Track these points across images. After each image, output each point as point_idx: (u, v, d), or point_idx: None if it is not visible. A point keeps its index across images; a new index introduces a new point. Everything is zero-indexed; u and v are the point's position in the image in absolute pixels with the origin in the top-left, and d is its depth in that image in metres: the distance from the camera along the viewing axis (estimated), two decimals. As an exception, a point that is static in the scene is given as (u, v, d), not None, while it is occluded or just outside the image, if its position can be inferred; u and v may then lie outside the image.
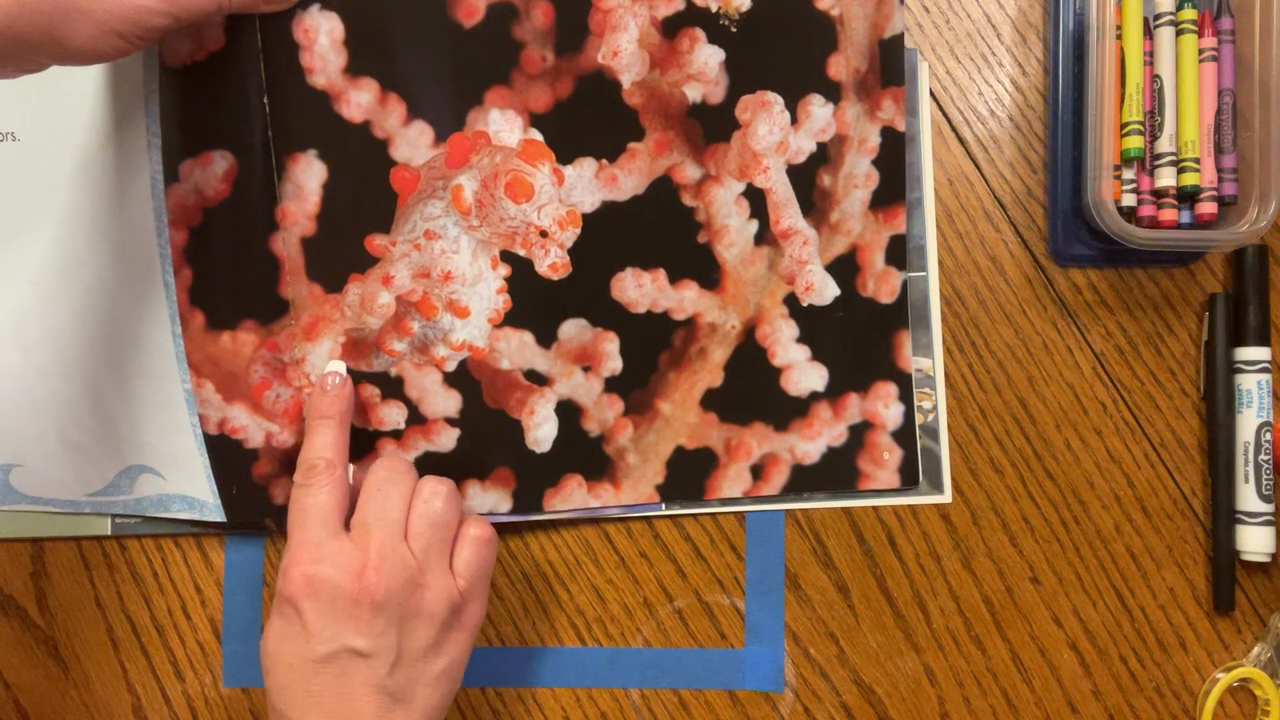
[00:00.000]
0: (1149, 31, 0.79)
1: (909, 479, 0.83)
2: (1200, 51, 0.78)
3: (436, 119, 0.78)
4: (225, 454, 0.81)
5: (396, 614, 0.69)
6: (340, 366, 0.79)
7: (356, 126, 0.78)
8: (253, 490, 0.81)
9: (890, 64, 0.79)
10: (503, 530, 0.84)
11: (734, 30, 0.79)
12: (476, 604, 0.73)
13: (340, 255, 0.79)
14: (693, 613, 0.83)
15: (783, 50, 0.79)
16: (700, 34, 0.79)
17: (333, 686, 0.68)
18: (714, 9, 0.78)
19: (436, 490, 0.74)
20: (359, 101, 0.78)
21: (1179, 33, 0.78)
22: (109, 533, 0.84)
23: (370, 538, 0.71)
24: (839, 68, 0.79)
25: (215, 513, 0.81)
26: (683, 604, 0.82)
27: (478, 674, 0.84)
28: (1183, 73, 0.78)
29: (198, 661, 0.84)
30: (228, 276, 0.79)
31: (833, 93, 0.79)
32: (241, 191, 0.78)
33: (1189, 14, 0.78)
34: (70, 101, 0.79)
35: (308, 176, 0.78)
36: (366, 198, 0.79)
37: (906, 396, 0.82)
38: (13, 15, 0.62)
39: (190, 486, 0.81)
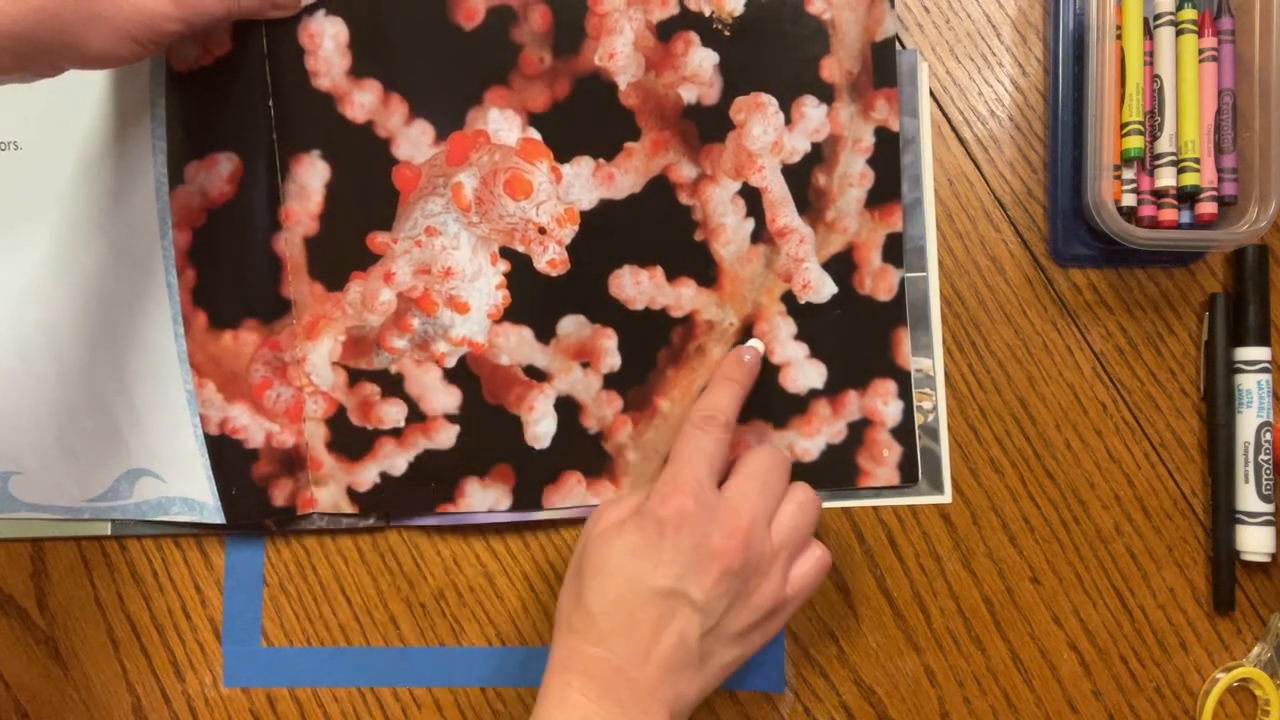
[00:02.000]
0: (1149, 31, 0.80)
1: (908, 476, 0.84)
2: (1200, 51, 0.79)
3: (437, 118, 0.81)
4: (225, 454, 0.83)
5: (737, 587, 0.71)
6: (759, 345, 0.82)
7: (359, 126, 0.81)
8: (252, 491, 0.83)
9: (882, 65, 0.81)
10: (503, 530, 0.86)
11: (727, 34, 0.81)
12: (784, 616, 0.74)
13: (342, 253, 0.82)
14: (692, 613, 0.82)
15: (776, 53, 0.81)
16: (694, 37, 0.81)
17: (653, 620, 0.69)
18: (707, 13, 0.81)
19: (812, 499, 0.76)
20: (362, 102, 0.81)
21: (1179, 33, 0.79)
22: (109, 533, 0.86)
23: (745, 508, 0.72)
24: (832, 70, 0.81)
25: (215, 514, 0.83)
26: (682, 604, 0.82)
27: (478, 674, 0.85)
28: (1183, 73, 0.79)
29: (198, 661, 0.85)
30: (231, 276, 0.82)
31: (826, 94, 0.81)
32: (246, 192, 0.81)
33: (1189, 14, 0.79)
34: (73, 108, 0.82)
35: (311, 176, 0.81)
36: (369, 196, 0.81)
37: (905, 394, 0.83)
38: (34, 21, 0.65)
39: (190, 488, 0.83)
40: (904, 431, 0.83)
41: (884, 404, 0.83)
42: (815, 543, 0.75)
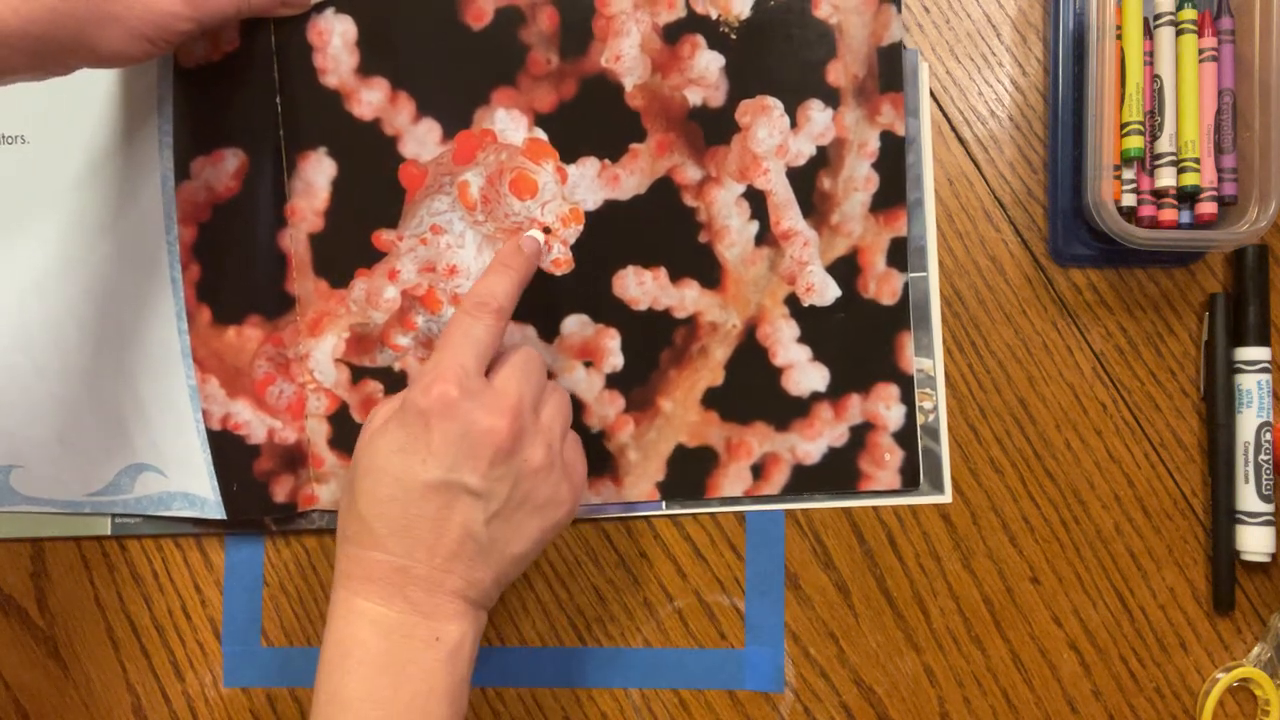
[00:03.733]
0: (1149, 31, 0.81)
1: (910, 480, 0.85)
2: (1200, 51, 0.81)
3: (444, 117, 0.82)
4: (227, 450, 0.83)
5: (514, 470, 0.69)
6: (540, 235, 0.81)
7: (366, 124, 0.82)
8: (253, 487, 0.84)
9: (889, 70, 0.83)
10: None
11: (733, 37, 0.82)
12: (571, 499, 0.73)
13: (347, 251, 0.83)
14: (693, 613, 0.84)
15: (782, 57, 0.82)
16: (700, 40, 0.82)
17: (432, 515, 0.68)
18: (714, 17, 0.82)
19: (565, 394, 0.76)
20: (369, 100, 0.82)
21: (1179, 33, 0.81)
22: (109, 533, 0.86)
23: (512, 393, 0.70)
24: (838, 74, 0.82)
25: (215, 510, 0.84)
26: (683, 604, 0.83)
27: (479, 674, 0.85)
28: (1183, 73, 0.80)
29: (198, 661, 0.86)
30: (235, 272, 0.83)
31: (832, 98, 0.82)
32: (252, 188, 0.82)
33: (1189, 14, 0.80)
34: (80, 103, 0.83)
35: (317, 173, 0.82)
36: (375, 194, 0.82)
37: (908, 398, 0.84)
38: (47, 21, 0.66)
39: (191, 484, 0.84)
40: (906, 436, 0.84)
41: (886, 408, 0.84)
42: (571, 433, 0.76)
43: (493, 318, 0.71)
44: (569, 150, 0.82)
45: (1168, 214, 0.80)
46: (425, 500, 0.67)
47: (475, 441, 0.67)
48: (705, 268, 0.83)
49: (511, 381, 0.71)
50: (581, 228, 0.82)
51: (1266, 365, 0.81)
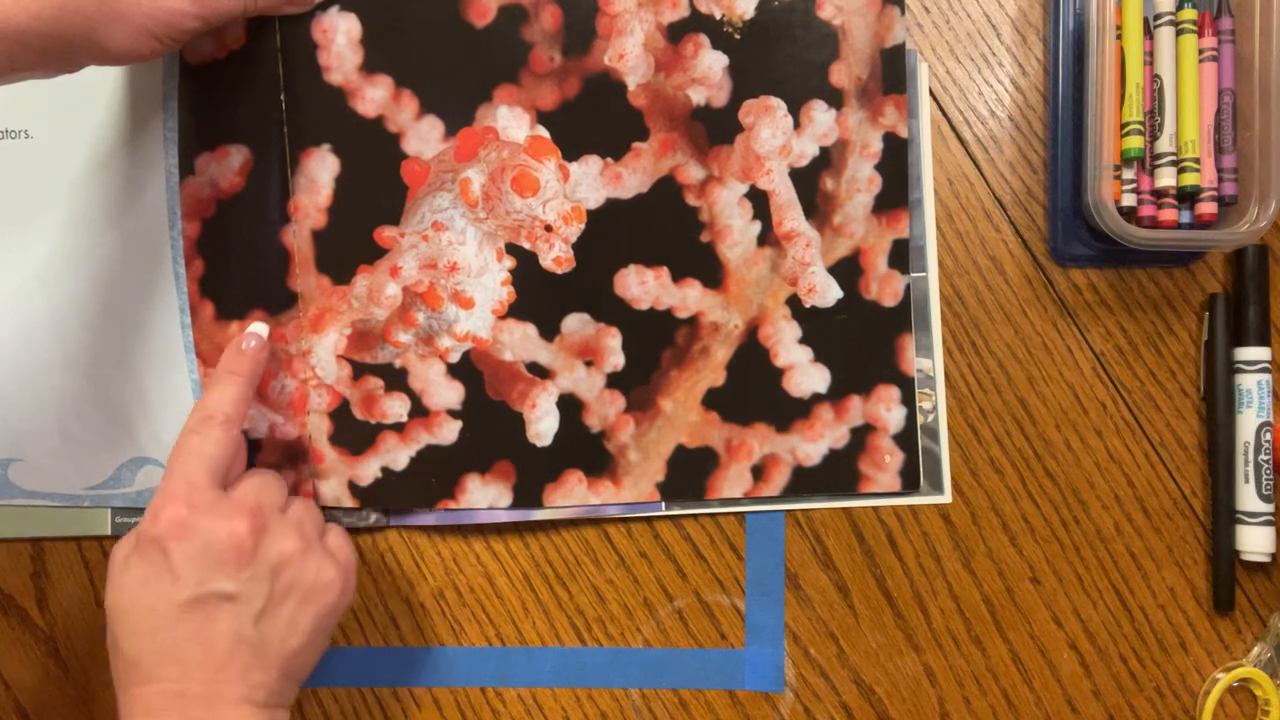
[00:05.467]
0: (1149, 31, 0.82)
1: (910, 483, 0.85)
2: (1200, 51, 0.82)
3: (447, 114, 0.83)
4: None
5: (268, 565, 0.70)
6: (262, 329, 0.81)
7: (370, 121, 0.83)
8: None
9: (892, 72, 0.83)
10: (503, 529, 0.87)
11: (737, 38, 0.83)
12: (343, 581, 0.74)
13: (350, 247, 0.84)
14: (693, 613, 0.85)
15: (785, 57, 0.83)
16: (704, 40, 0.83)
17: (195, 633, 0.68)
18: (718, 16, 0.83)
19: (312, 504, 0.77)
20: (373, 97, 0.83)
21: (1179, 33, 0.81)
22: (109, 532, 0.86)
23: (250, 498, 0.72)
24: (841, 75, 0.83)
25: None
26: (683, 604, 0.84)
27: (479, 674, 0.87)
28: (1183, 73, 0.81)
29: (196, 660, 0.84)
30: (239, 268, 0.84)
31: (835, 99, 0.83)
32: (255, 184, 0.83)
33: (1189, 14, 0.81)
34: (85, 99, 0.84)
35: (321, 170, 0.83)
36: (378, 190, 0.83)
37: (909, 400, 0.85)
38: (55, 19, 0.67)
39: None
40: (907, 438, 0.85)
41: (887, 410, 0.84)
42: (331, 524, 0.77)
43: (220, 430, 0.73)
44: (571, 148, 0.83)
45: (1168, 214, 0.81)
46: (184, 621, 0.67)
47: (219, 549, 0.68)
48: (707, 268, 0.84)
49: (249, 489, 0.72)
50: (583, 226, 0.83)
51: (1266, 365, 0.82)
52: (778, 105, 0.82)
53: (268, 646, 0.69)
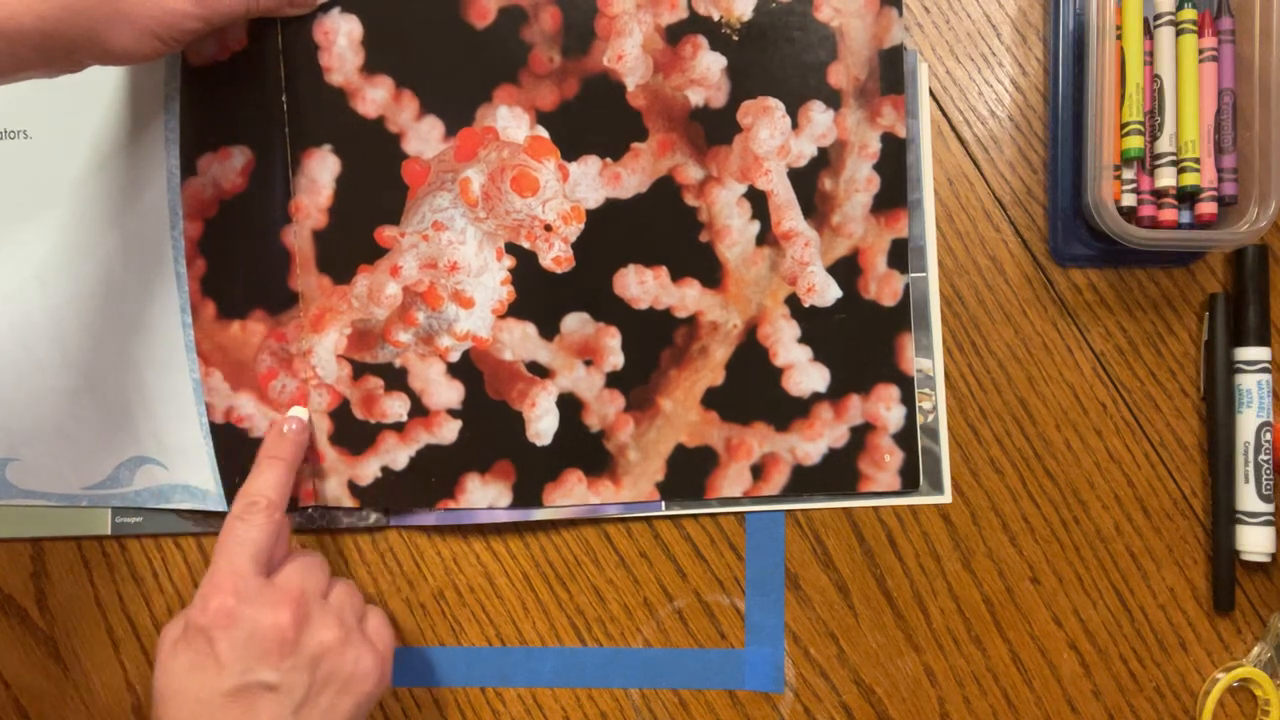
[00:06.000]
0: (1149, 31, 0.82)
1: (909, 482, 0.85)
2: (1200, 51, 0.82)
3: (447, 115, 0.84)
4: (230, 443, 0.85)
5: (309, 655, 0.72)
6: (303, 413, 0.83)
7: (371, 121, 0.84)
8: None
9: (890, 72, 0.84)
10: (503, 530, 0.87)
11: (735, 39, 0.83)
12: (380, 668, 0.75)
13: (350, 247, 0.84)
14: (693, 613, 0.85)
15: (783, 58, 0.84)
16: (703, 41, 0.83)
17: None
18: (716, 18, 0.83)
19: (354, 586, 0.78)
20: (374, 98, 0.83)
21: (1179, 33, 0.81)
22: (109, 532, 0.86)
23: (294, 585, 0.73)
24: (839, 76, 0.84)
25: (217, 503, 0.85)
26: (683, 604, 0.84)
27: (479, 674, 0.87)
28: (1183, 73, 0.81)
29: (197, 660, 0.84)
30: (240, 267, 0.84)
31: (833, 99, 0.84)
32: (257, 185, 0.83)
33: (1189, 14, 0.81)
34: (86, 99, 0.85)
35: (322, 170, 0.83)
36: (378, 190, 0.84)
37: (908, 399, 0.85)
38: (59, 19, 0.67)
39: (193, 477, 0.85)
40: (906, 437, 0.85)
41: (886, 409, 0.85)
42: (372, 607, 0.79)
43: (264, 516, 0.75)
44: (570, 148, 0.83)
45: (1168, 214, 0.81)
46: (227, 710, 0.69)
47: (263, 640, 0.70)
48: (706, 267, 0.84)
49: (293, 575, 0.74)
50: (582, 226, 0.83)
51: (1266, 365, 0.82)
52: (776, 106, 0.83)
53: None
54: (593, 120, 0.83)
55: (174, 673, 0.70)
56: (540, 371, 0.84)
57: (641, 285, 0.83)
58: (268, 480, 0.77)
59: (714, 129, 0.83)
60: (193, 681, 0.69)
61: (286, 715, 0.70)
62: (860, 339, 0.84)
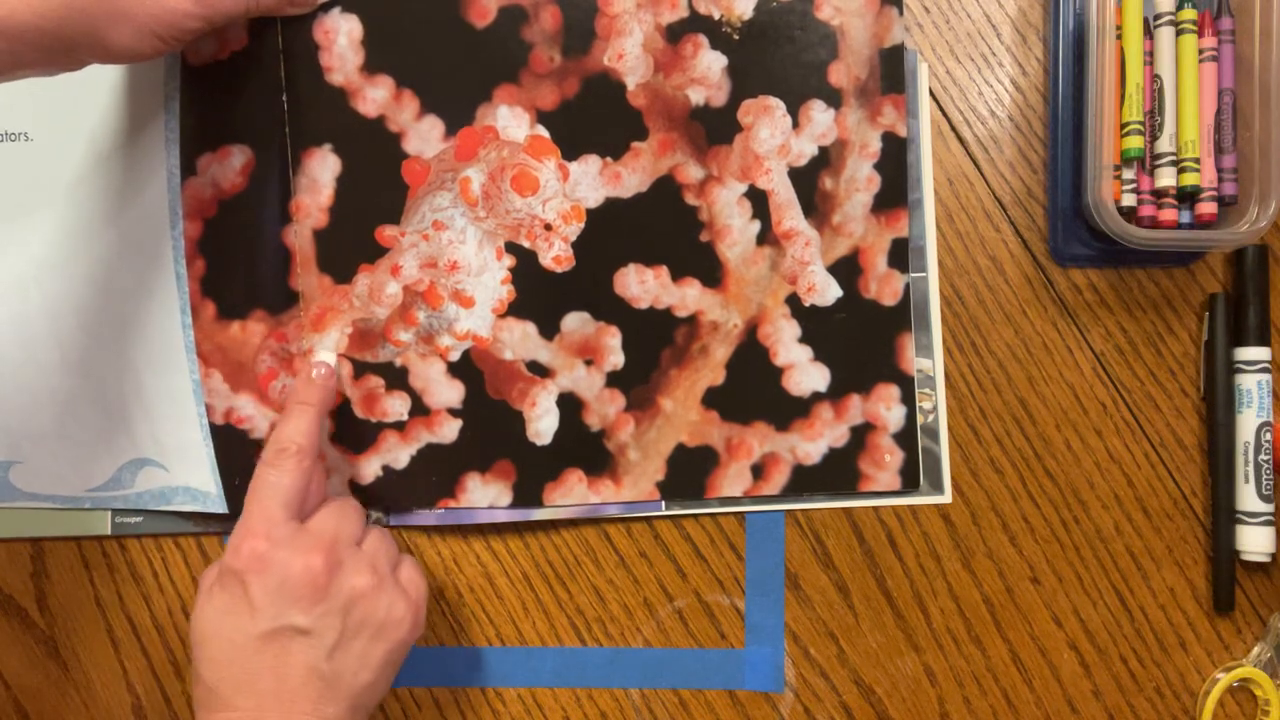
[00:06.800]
0: (1149, 31, 0.83)
1: (910, 482, 0.86)
2: (1200, 51, 0.82)
3: (448, 114, 0.84)
4: (230, 444, 0.85)
5: (341, 601, 0.72)
6: (330, 357, 0.83)
7: (371, 121, 0.84)
8: None
9: (890, 72, 0.84)
10: (503, 529, 0.87)
11: (736, 38, 0.83)
12: (413, 618, 0.75)
13: (351, 246, 0.84)
14: (693, 613, 0.85)
15: (784, 57, 0.84)
16: (703, 40, 0.83)
17: (271, 665, 0.70)
18: (717, 17, 0.83)
19: (387, 533, 0.78)
20: (374, 97, 0.83)
21: (1179, 33, 0.82)
22: (109, 532, 0.86)
23: (327, 531, 0.74)
24: (840, 75, 0.84)
25: (217, 504, 0.85)
26: (683, 604, 0.84)
27: (479, 674, 0.88)
28: (1183, 73, 0.81)
29: (197, 660, 0.84)
30: (240, 267, 0.84)
31: (834, 99, 0.84)
32: (257, 184, 0.84)
33: (1189, 14, 0.82)
34: (86, 100, 0.85)
35: (322, 170, 0.84)
36: (378, 190, 0.84)
37: (908, 399, 0.85)
38: (59, 17, 0.67)
39: (193, 478, 0.85)
40: (906, 437, 0.85)
41: (886, 409, 0.85)
42: (406, 556, 0.79)
43: (294, 461, 0.75)
44: (571, 148, 0.83)
45: (1168, 214, 0.82)
46: (261, 653, 0.70)
47: (295, 584, 0.71)
48: (706, 267, 0.84)
49: (328, 520, 0.75)
50: (583, 225, 0.83)
51: (1266, 365, 0.82)
52: (776, 105, 0.83)
53: (339, 680, 0.71)
54: (593, 119, 0.83)
55: (209, 616, 0.71)
56: (540, 371, 0.84)
57: (642, 285, 0.84)
58: (298, 426, 0.76)
59: (714, 128, 0.83)
60: (226, 624, 0.70)
61: (319, 659, 0.70)
62: (860, 339, 0.84)
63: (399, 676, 0.86)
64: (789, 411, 0.84)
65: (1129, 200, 0.82)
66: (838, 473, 0.85)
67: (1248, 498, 0.82)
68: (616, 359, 0.84)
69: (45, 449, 0.86)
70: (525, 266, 0.83)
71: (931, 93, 0.85)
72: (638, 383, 0.84)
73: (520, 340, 0.84)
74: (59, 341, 0.84)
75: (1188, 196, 0.82)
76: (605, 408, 0.84)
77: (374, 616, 0.72)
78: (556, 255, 0.83)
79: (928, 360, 0.84)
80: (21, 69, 0.69)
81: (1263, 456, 0.82)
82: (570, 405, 0.84)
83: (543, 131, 0.83)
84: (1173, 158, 0.81)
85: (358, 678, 0.72)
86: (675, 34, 0.83)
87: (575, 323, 0.84)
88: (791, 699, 0.85)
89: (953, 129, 0.85)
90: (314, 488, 0.76)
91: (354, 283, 0.83)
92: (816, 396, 0.84)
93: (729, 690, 0.85)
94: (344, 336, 0.84)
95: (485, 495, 0.84)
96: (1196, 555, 0.84)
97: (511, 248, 0.83)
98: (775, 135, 0.83)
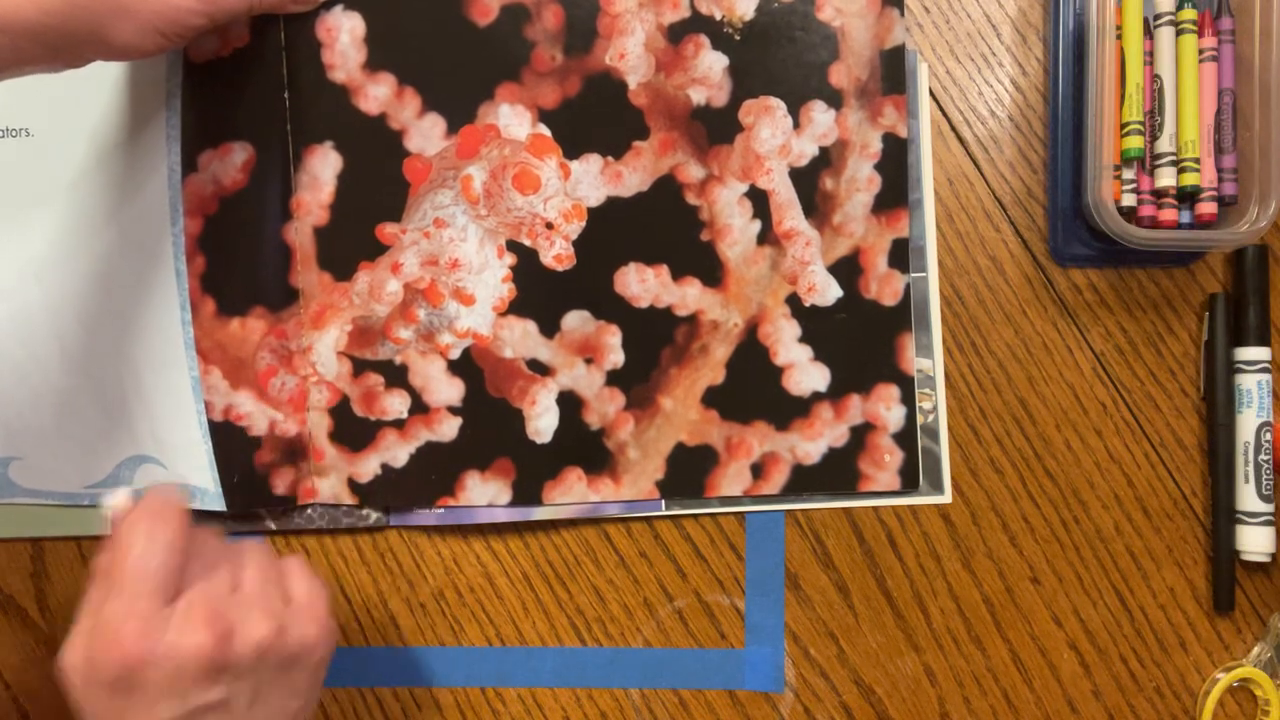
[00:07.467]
0: (1149, 31, 0.83)
1: (909, 482, 0.86)
2: (1200, 51, 0.82)
3: (449, 112, 0.84)
4: (229, 441, 0.85)
5: (247, 661, 0.65)
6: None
7: (373, 118, 0.84)
8: (253, 478, 0.85)
9: (892, 73, 0.84)
10: (503, 529, 0.88)
11: (737, 38, 0.84)
12: (321, 637, 0.69)
13: (351, 243, 0.85)
14: (693, 613, 0.86)
15: (785, 58, 0.84)
16: (705, 40, 0.84)
17: None
18: (718, 17, 0.84)
19: (259, 548, 0.71)
20: (376, 95, 0.84)
21: (1179, 33, 0.82)
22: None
23: (199, 601, 0.65)
24: (840, 76, 0.84)
25: (215, 501, 0.85)
26: (683, 604, 0.84)
27: (479, 674, 0.88)
28: (1183, 73, 0.81)
29: (195, 659, 0.84)
30: (240, 264, 0.85)
31: (835, 99, 0.84)
32: (258, 181, 0.84)
33: (1189, 14, 0.82)
34: (87, 96, 0.85)
35: (323, 167, 0.84)
36: (380, 187, 0.84)
37: (908, 399, 0.86)
38: (62, 13, 0.67)
39: (192, 475, 0.85)
40: (906, 437, 0.85)
41: (886, 409, 0.85)
42: (289, 561, 0.72)
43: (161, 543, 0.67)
44: (572, 146, 0.84)
45: (1168, 214, 0.82)
46: None
47: (191, 668, 0.63)
48: (707, 266, 0.84)
49: (196, 592, 0.66)
50: (583, 224, 0.84)
51: (1266, 365, 0.82)
52: (777, 105, 0.83)
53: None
54: (594, 118, 0.83)
55: (109, 710, 0.64)
56: (540, 369, 0.84)
57: (642, 283, 0.84)
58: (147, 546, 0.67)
59: (715, 128, 0.83)
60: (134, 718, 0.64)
61: (240, 716, 0.65)
62: (861, 338, 0.84)
63: (399, 677, 0.86)
64: (789, 411, 0.85)
65: (1129, 200, 0.82)
66: (837, 472, 0.85)
67: (1248, 498, 0.82)
68: (616, 358, 0.84)
69: (45, 445, 0.86)
70: (526, 265, 0.83)
71: (932, 93, 0.85)
72: (638, 381, 0.85)
73: (520, 338, 0.84)
74: (59, 337, 0.85)
75: (1188, 196, 0.82)
76: (605, 406, 0.85)
77: (285, 654, 0.66)
78: (557, 254, 0.83)
79: (928, 360, 0.85)
80: (25, 65, 0.70)
81: (1263, 456, 0.82)
82: (570, 404, 0.84)
83: (544, 130, 0.83)
84: (1173, 158, 0.81)
85: (286, 708, 0.67)
86: (677, 34, 0.83)
87: (575, 321, 0.84)
88: (791, 699, 0.85)
89: (953, 129, 0.85)
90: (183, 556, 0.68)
91: (354, 280, 0.84)
92: (816, 396, 0.84)
93: (729, 690, 0.85)
94: (344, 334, 0.84)
95: (485, 493, 0.84)
96: (1196, 555, 0.85)
97: (512, 246, 0.83)
98: (776, 135, 0.83)
